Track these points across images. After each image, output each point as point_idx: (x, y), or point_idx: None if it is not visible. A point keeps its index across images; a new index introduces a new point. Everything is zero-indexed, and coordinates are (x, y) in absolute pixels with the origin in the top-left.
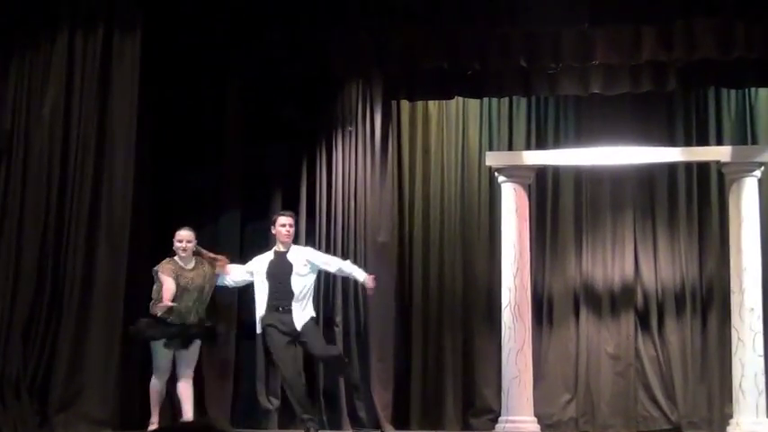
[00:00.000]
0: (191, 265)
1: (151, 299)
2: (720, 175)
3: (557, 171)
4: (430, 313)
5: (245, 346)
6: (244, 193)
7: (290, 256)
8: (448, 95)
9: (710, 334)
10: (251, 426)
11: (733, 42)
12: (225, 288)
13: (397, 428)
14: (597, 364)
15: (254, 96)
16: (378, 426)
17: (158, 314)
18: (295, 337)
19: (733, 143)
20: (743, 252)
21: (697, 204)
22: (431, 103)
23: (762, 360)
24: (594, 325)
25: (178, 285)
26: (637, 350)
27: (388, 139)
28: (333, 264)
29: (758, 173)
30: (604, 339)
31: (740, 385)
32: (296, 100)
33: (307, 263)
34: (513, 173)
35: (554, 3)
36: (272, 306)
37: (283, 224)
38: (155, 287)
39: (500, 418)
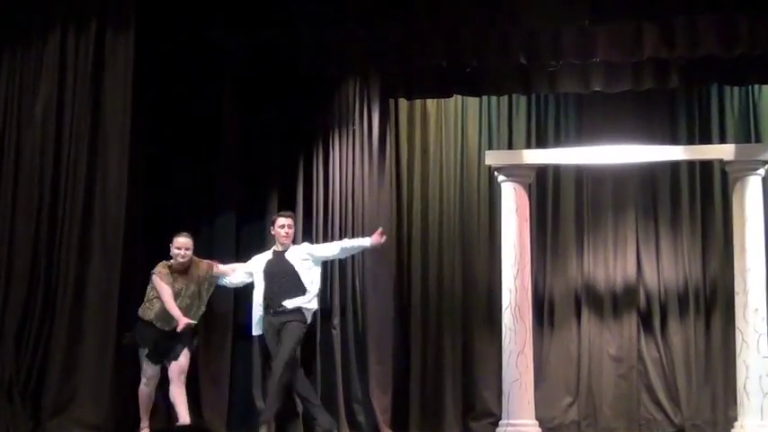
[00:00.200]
0: (187, 270)
1: (142, 301)
2: (724, 174)
3: (557, 170)
4: (429, 315)
5: (241, 351)
6: (240, 193)
7: (288, 255)
8: (446, 94)
9: (714, 335)
10: (247, 430)
11: (736, 39)
12: (222, 292)
13: None
14: (599, 367)
15: (249, 95)
16: (376, 430)
17: (157, 325)
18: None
19: (736, 141)
20: (747, 252)
21: (700, 203)
22: (429, 101)
23: (766, 362)
24: (596, 326)
25: (172, 290)
26: (639, 352)
27: (386, 139)
28: (334, 247)
29: (762, 171)
30: (606, 341)
31: (744, 387)
32: (292, 99)
33: (308, 256)
34: (514, 172)
35: None
36: (266, 307)
37: (282, 225)
38: (148, 288)
39: (501, 422)
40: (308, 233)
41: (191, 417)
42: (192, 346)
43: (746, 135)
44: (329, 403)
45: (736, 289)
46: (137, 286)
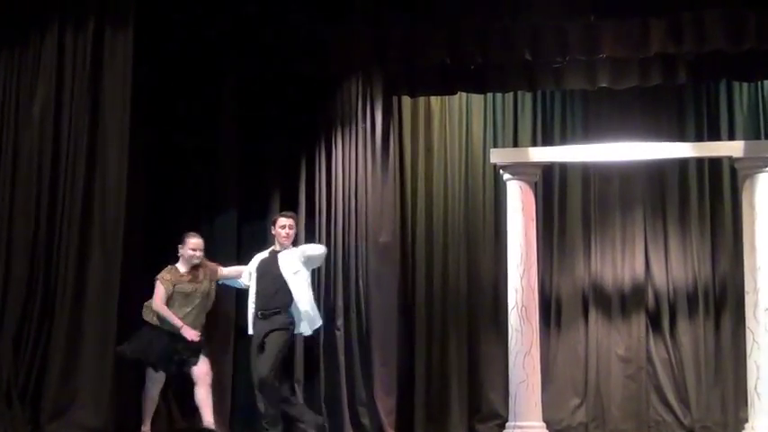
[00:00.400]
0: (193, 271)
1: (142, 301)
2: (733, 171)
3: (564, 168)
4: (434, 316)
5: (243, 351)
6: (241, 193)
7: (280, 257)
8: (450, 91)
9: (724, 335)
10: None
11: (744, 33)
12: (224, 293)
13: None
14: (607, 367)
15: (250, 93)
16: None
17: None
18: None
19: (745, 137)
20: (757, 250)
21: (709, 201)
22: (433, 98)
23: None
24: (604, 327)
25: (181, 293)
26: (648, 352)
27: (390, 137)
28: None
29: None
30: (615, 341)
31: (755, 388)
32: (293, 97)
33: (300, 259)
34: (519, 170)
35: None
36: (256, 309)
37: (283, 225)
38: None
39: (507, 424)
40: (310, 233)
41: (194, 418)
42: (205, 349)
43: (756, 131)
44: (333, 405)
45: (747, 288)
46: (137, 288)
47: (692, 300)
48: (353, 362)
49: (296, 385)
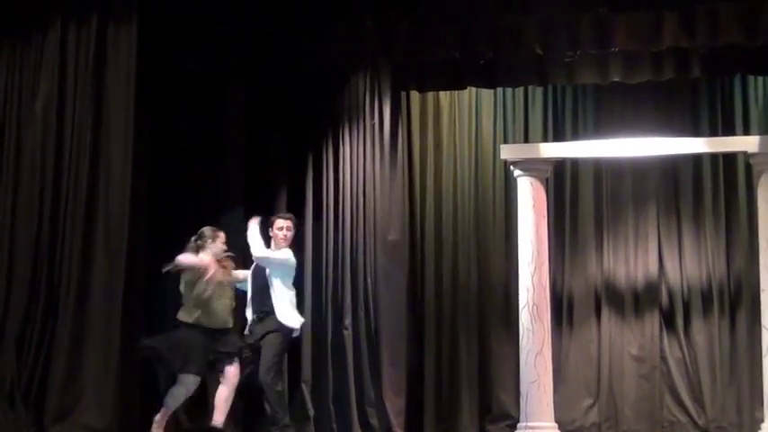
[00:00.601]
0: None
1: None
2: (748, 167)
3: (575, 164)
4: (444, 314)
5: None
6: (247, 190)
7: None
8: (460, 86)
9: (740, 334)
10: None
11: (759, 26)
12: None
13: None
14: (620, 367)
15: (256, 89)
16: None
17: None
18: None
19: (761, 132)
20: None
21: (724, 197)
22: (442, 93)
23: None
24: (617, 325)
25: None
26: (662, 351)
27: (398, 133)
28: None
29: None
30: (628, 340)
31: None
32: (299, 93)
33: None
34: (530, 166)
35: None
36: (252, 312)
37: (281, 227)
38: (182, 288)
39: (519, 425)
40: (317, 232)
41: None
42: (245, 351)
43: None
44: (341, 405)
45: (762, 285)
46: (141, 288)
47: (706, 298)
48: (362, 361)
49: (303, 385)
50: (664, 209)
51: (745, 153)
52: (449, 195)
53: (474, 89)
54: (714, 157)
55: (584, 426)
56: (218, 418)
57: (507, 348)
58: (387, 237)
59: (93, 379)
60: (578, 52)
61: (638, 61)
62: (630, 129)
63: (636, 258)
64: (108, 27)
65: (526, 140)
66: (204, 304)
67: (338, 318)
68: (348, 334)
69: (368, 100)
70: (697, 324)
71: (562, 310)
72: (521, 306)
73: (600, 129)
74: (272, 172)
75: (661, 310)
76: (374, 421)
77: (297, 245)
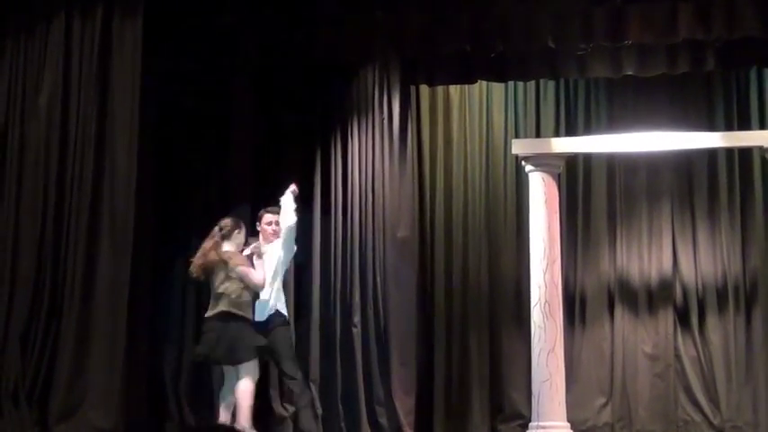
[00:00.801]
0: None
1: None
2: (764, 162)
3: (588, 159)
4: (454, 312)
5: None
6: (254, 186)
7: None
8: (470, 79)
9: (755, 332)
10: (265, 431)
11: None
12: None
13: None
14: (634, 366)
15: (262, 83)
16: None
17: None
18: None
19: None
20: None
21: (739, 193)
22: (452, 88)
23: None
24: (631, 323)
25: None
26: (676, 350)
27: (407, 128)
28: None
29: None
30: (641, 339)
31: None
32: (307, 87)
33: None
34: (542, 161)
35: None
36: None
37: (270, 222)
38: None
39: (530, 424)
40: (326, 228)
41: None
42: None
43: None
44: (350, 404)
45: None
46: (147, 286)
47: (721, 295)
48: (371, 360)
49: (312, 384)
50: (678, 204)
51: (760, 148)
52: (459, 191)
53: (485, 83)
54: (729, 151)
55: (596, 425)
56: (243, 423)
57: (519, 347)
58: (396, 233)
59: (97, 378)
60: (591, 45)
61: (653, 54)
62: (644, 123)
63: (650, 255)
64: (113, 19)
65: (538, 135)
66: (219, 296)
67: (347, 316)
68: (357, 332)
69: (377, 94)
70: (712, 322)
71: (575, 307)
72: (532, 304)
73: (613, 123)
74: (279, 167)
75: (675, 308)
76: (383, 420)
77: (305, 241)
